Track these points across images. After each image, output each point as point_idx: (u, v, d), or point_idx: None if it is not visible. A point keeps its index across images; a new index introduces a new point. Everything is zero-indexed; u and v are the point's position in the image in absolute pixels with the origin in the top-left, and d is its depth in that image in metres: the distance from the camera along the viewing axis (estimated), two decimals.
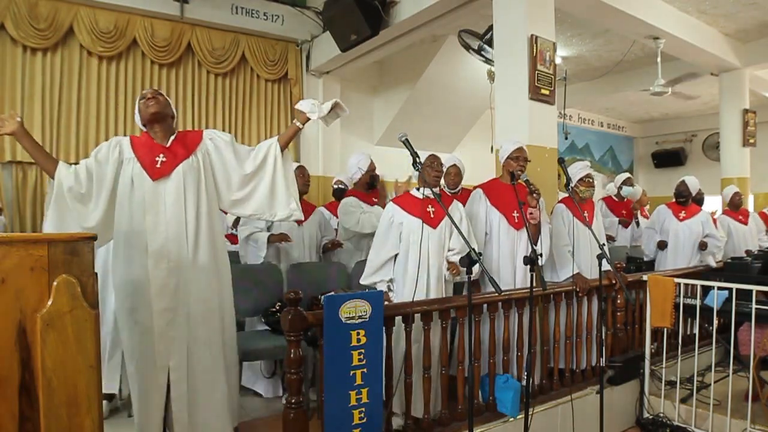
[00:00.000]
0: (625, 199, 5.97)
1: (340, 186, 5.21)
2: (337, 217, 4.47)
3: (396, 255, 3.12)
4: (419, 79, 6.95)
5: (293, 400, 2.40)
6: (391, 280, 3.11)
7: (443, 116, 7.54)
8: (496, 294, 2.63)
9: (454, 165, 4.51)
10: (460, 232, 2.68)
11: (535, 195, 3.22)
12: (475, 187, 3.71)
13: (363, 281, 3.17)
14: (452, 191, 4.29)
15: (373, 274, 3.11)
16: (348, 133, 7.15)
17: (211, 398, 2.53)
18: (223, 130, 5.17)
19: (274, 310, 3.36)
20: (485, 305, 3.14)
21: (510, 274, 3.42)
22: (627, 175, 6.04)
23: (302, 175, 3.86)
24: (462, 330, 3.02)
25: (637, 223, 5.86)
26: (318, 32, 6.42)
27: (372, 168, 4.25)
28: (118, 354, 3.38)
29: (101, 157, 2.49)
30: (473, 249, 2.41)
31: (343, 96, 6.97)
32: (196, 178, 2.55)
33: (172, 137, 2.59)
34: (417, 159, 2.72)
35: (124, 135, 5.34)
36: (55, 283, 1.36)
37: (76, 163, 2.48)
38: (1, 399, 1.34)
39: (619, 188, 5.89)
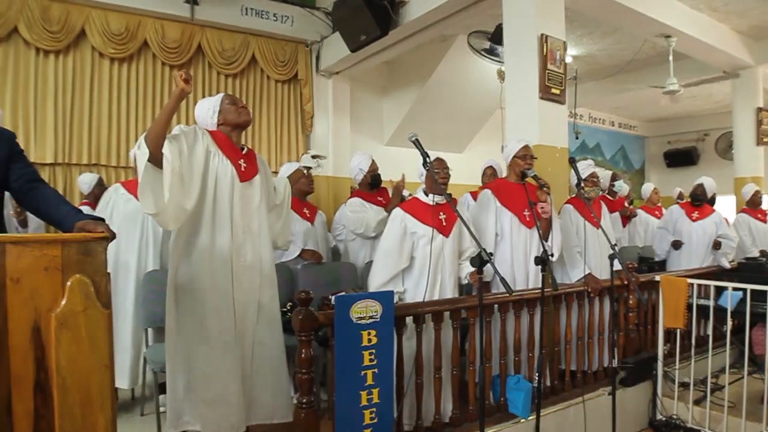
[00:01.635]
0: (618, 196, 5.96)
1: None
2: None
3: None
4: (429, 79, 6.94)
5: (304, 400, 2.40)
6: (401, 292, 3.05)
7: (453, 116, 7.52)
8: (507, 294, 2.62)
9: (491, 166, 4.53)
10: (471, 233, 2.67)
11: (545, 189, 3.21)
12: (481, 188, 3.70)
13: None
14: None
15: (384, 287, 2.99)
16: (358, 133, 7.15)
17: (276, 385, 2.72)
18: None
19: (285, 309, 3.37)
20: (496, 306, 3.13)
21: (523, 274, 3.40)
22: (610, 172, 6.02)
23: (307, 174, 3.89)
24: (473, 330, 3.01)
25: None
26: (327, 33, 6.43)
27: (373, 168, 4.25)
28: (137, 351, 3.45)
29: (190, 143, 2.49)
30: (483, 249, 2.40)
31: (352, 96, 6.99)
32: (266, 188, 2.80)
33: (246, 148, 2.76)
34: (427, 159, 2.71)
35: (136, 136, 5.45)
36: (68, 283, 1.37)
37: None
38: (17, 397, 1.35)
39: (611, 185, 5.86)
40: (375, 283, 3.03)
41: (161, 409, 2.92)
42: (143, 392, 3.56)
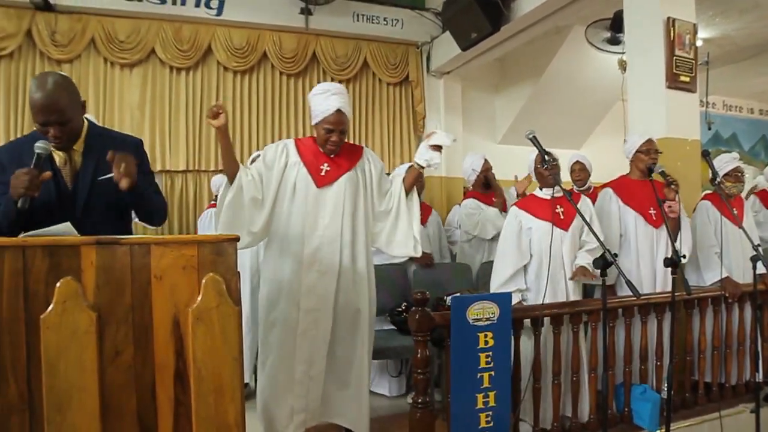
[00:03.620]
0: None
1: None
2: None
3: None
4: (543, 74, 6.70)
5: (420, 400, 2.41)
6: (524, 290, 2.98)
7: (570, 111, 7.20)
8: (634, 298, 2.46)
9: (578, 161, 4.33)
10: (592, 230, 2.54)
11: (673, 186, 2.98)
12: (602, 186, 3.50)
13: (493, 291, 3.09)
14: (581, 189, 4.10)
15: (504, 285, 2.95)
16: (470, 133, 7.07)
17: (347, 393, 2.70)
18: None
19: (399, 310, 3.42)
20: (620, 309, 2.95)
21: (650, 276, 3.19)
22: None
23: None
24: (595, 335, 2.86)
25: None
26: (437, 33, 6.42)
27: (486, 167, 4.17)
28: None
29: (269, 161, 2.66)
30: (608, 250, 2.27)
31: (464, 95, 6.92)
32: (354, 190, 2.71)
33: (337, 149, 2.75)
34: (546, 156, 2.62)
35: (258, 142, 5.79)
36: (203, 281, 1.48)
37: (219, 171, 2.72)
38: (160, 384, 1.48)
39: None
40: (496, 282, 3.00)
41: None
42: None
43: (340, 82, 6.36)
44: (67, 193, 2.00)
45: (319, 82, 6.24)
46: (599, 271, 2.32)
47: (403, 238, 2.77)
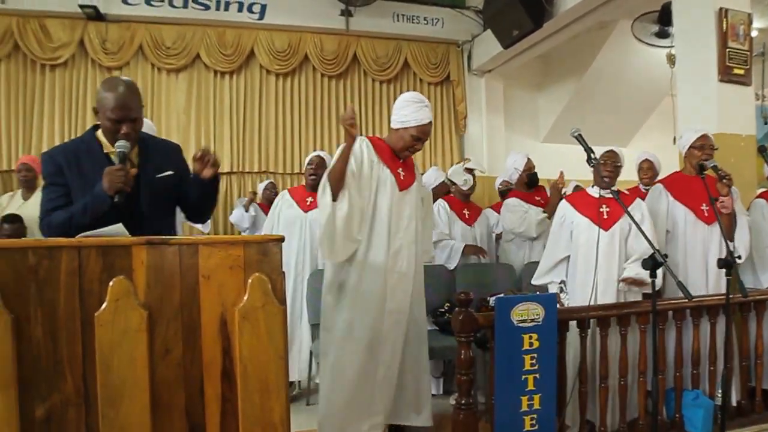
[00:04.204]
0: None
1: (506, 187, 5.12)
2: None
3: (568, 256, 2.98)
4: (587, 71, 6.55)
5: (463, 401, 2.39)
6: (563, 282, 2.97)
7: (615, 108, 7.02)
8: (685, 300, 2.37)
9: (647, 159, 4.24)
10: (642, 231, 2.46)
11: (725, 181, 2.87)
12: (654, 183, 3.41)
13: (534, 281, 3.10)
14: (647, 188, 3.99)
15: (546, 275, 3.03)
16: (512, 131, 6.98)
17: (417, 394, 2.72)
18: None
19: (442, 310, 3.40)
20: (671, 312, 2.85)
21: (701, 277, 3.07)
22: None
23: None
24: (643, 338, 2.78)
25: None
26: (478, 31, 6.37)
27: (529, 167, 4.11)
28: (296, 346, 3.69)
29: (356, 168, 2.62)
30: (657, 251, 2.20)
31: (506, 94, 6.86)
32: (418, 197, 2.80)
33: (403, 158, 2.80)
34: (591, 155, 2.56)
35: (301, 143, 5.87)
36: (249, 281, 1.50)
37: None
38: (208, 381, 1.51)
39: None
40: (538, 272, 3.08)
41: None
42: (309, 384, 3.79)
43: (381, 82, 6.39)
44: (131, 192, 2.04)
45: (360, 83, 6.29)
46: (648, 278, 2.25)
47: (426, 244, 2.92)
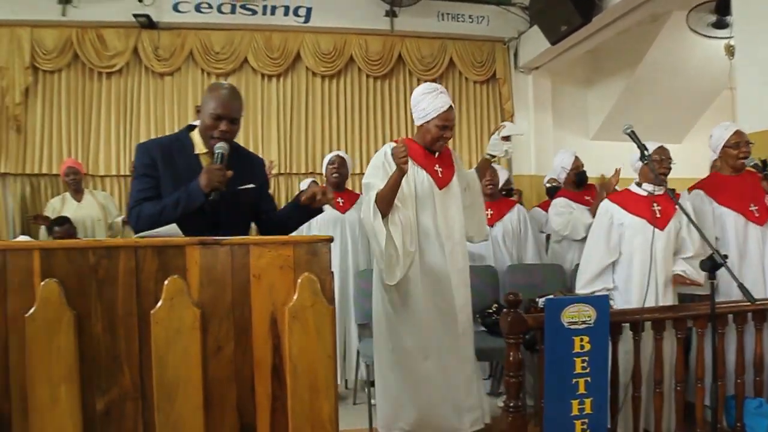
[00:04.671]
0: None
1: (553, 185, 5.01)
2: None
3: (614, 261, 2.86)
4: (639, 65, 6.34)
5: (511, 404, 2.35)
6: (611, 289, 2.85)
7: (669, 103, 6.77)
8: (747, 303, 2.26)
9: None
10: (698, 229, 2.36)
11: None
12: (691, 188, 3.24)
13: (579, 290, 2.96)
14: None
15: (592, 283, 2.86)
16: (561, 129, 6.83)
17: (474, 391, 2.73)
18: None
19: (489, 311, 3.36)
20: (731, 315, 2.73)
21: (759, 279, 2.93)
22: None
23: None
24: (701, 343, 2.66)
25: None
26: (525, 28, 6.27)
27: (577, 165, 4.00)
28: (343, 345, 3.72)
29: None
30: (716, 251, 2.11)
31: (554, 91, 6.72)
32: (460, 189, 2.80)
33: (437, 152, 2.79)
34: (645, 152, 2.47)
35: (347, 144, 5.92)
36: (299, 280, 1.52)
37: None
38: (259, 379, 1.54)
39: None
40: (582, 280, 2.91)
41: (372, 401, 3.10)
42: (356, 383, 3.82)
43: (426, 82, 6.35)
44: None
45: (405, 83, 6.28)
46: (702, 277, 2.16)
47: (478, 227, 2.94)
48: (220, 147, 2.00)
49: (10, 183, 5.52)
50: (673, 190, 2.68)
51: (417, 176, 2.67)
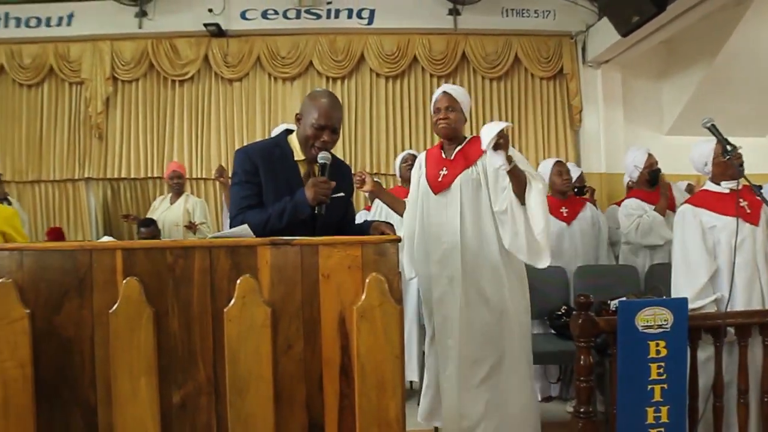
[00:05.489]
0: None
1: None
2: None
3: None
4: (719, 54, 5.97)
5: (582, 409, 2.27)
6: (719, 299, 2.60)
7: (752, 94, 6.34)
8: None
9: None
10: None
11: None
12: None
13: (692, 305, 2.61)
14: None
15: (699, 297, 2.55)
16: (632, 123, 6.54)
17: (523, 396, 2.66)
18: None
19: (558, 313, 3.28)
20: None
21: None
22: None
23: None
24: None
25: None
26: (593, 21, 6.05)
27: (651, 163, 3.78)
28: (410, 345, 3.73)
29: (414, 188, 2.83)
30: None
31: (624, 85, 6.45)
32: (474, 187, 2.62)
33: (458, 148, 2.71)
34: (728, 146, 2.33)
35: (411, 145, 5.92)
36: (367, 280, 1.54)
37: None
38: (327, 378, 1.56)
39: None
40: (691, 293, 2.56)
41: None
42: (421, 383, 3.80)
43: (491, 80, 6.28)
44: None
45: (469, 81, 6.23)
46: None
47: (526, 244, 2.52)
48: (324, 157, 1.98)
49: (93, 187, 5.98)
50: (760, 186, 2.49)
51: (421, 183, 2.75)
